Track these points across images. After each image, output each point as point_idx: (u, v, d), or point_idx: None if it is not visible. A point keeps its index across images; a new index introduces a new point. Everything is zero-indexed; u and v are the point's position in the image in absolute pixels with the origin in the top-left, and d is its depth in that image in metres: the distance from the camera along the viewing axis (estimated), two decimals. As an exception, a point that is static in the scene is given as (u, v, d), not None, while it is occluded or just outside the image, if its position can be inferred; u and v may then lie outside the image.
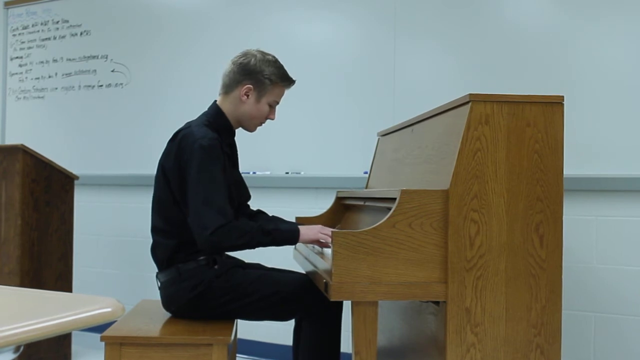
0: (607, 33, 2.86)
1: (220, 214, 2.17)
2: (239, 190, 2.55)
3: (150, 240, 2.39)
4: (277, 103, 2.45)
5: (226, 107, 2.42)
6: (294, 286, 2.33)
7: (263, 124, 2.48)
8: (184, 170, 2.25)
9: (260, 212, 2.70)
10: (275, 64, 2.39)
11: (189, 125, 2.37)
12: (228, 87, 2.41)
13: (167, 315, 2.38)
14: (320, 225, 2.33)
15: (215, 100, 2.46)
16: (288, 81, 2.42)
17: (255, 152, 3.63)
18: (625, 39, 2.83)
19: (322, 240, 2.27)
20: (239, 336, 3.37)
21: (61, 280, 3.51)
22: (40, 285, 3.34)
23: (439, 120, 2.12)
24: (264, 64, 2.37)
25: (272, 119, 2.47)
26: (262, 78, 2.36)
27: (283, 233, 2.26)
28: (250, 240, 2.19)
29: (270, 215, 2.69)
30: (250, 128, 2.47)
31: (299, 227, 2.29)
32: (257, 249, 2.26)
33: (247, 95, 2.37)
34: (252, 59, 2.37)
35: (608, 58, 2.86)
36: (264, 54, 2.41)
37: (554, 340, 1.88)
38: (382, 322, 2.59)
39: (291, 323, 2.50)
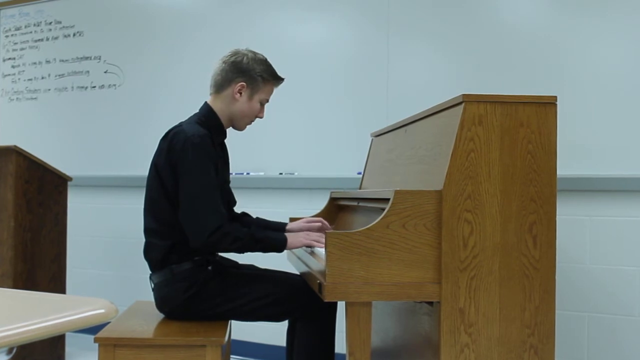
0: (601, 33, 2.87)
1: (215, 214, 2.19)
2: (228, 192, 2.57)
3: (144, 241, 2.39)
4: (267, 101, 2.47)
5: (218, 106, 2.43)
6: (287, 287, 2.33)
7: (252, 123, 2.50)
8: (176, 168, 2.25)
9: (245, 215, 2.71)
10: (266, 63, 2.43)
11: (180, 124, 2.38)
12: (220, 86, 2.42)
13: (161, 316, 2.38)
14: (303, 233, 2.35)
15: (206, 101, 2.47)
16: (278, 79, 2.46)
17: (249, 153, 3.63)
18: (619, 40, 2.84)
19: (308, 246, 2.31)
20: (232, 337, 3.37)
21: (54, 282, 3.50)
22: (34, 287, 3.33)
23: (432, 120, 2.12)
24: (255, 62, 2.40)
25: (262, 118, 2.49)
26: (254, 76, 2.38)
27: (271, 241, 2.28)
28: (242, 246, 2.24)
29: (255, 217, 2.70)
30: (241, 126, 2.49)
31: (287, 235, 2.30)
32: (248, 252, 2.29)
33: (240, 93, 2.39)
34: (244, 58, 2.40)
35: (601, 59, 2.87)
36: (254, 53, 2.44)
37: (548, 340, 1.88)
38: (376, 322, 2.59)
39: (285, 324, 2.50)
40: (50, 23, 4.50)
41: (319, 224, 2.52)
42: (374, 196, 2.15)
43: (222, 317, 2.33)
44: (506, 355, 1.86)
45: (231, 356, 3.49)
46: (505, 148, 1.87)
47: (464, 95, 1.86)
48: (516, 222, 1.86)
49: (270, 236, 2.31)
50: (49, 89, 4.48)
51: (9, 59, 4.67)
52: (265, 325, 2.57)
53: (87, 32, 4.35)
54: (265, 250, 2.28)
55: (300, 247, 2.32)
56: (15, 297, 1.24)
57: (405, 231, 1.81)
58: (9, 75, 4.66)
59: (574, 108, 2.86)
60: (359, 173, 3.25)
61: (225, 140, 2.54)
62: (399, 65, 3.35)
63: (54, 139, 4.41)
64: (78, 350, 3.82)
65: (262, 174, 3.68)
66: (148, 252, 2.37)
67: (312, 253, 2.25)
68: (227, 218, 2.26)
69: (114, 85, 4.23)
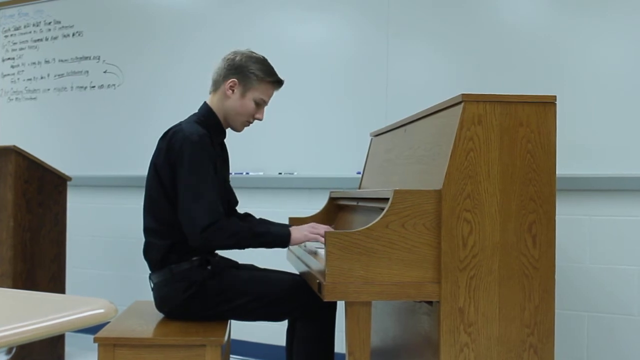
0: (600, 33, 2.87)
1: (211, 211, 2.18)
2: (228, 191, 2.56)
3: (143, 241, 2.39)
4: (265, 103, 2.45)
5: (214, 104, 2.44)
6: (287, 287, 2.33)
7: (251, 124, 2.48)
8: (174, 167, 2.25)
9: (248, 215, 2.71)
10: (263, 62, 2.42)
11: (179, 124, 2.38)
12: (216, 84, 2.43)
13: (161, 316, 2.38)
14: (308, 226, 2.34)
15: (205, 101, 2.47)
16: (274, 77, 2.43)
17: (248, 153, 3.62)
18: (619, 40, 2.84)
19: (312, 240, 2.30)
20: (232, 337, 3.37)
21: (54, 282, 3.50)
22: (33, 287, 3.33)
23: (431, 120, 2.12)
24: (250, 60, 2.39)
25: (260, 119, 2.46)
26: (247, 73, 2.38)
27: (273, 236, 2.28)
28: (239, 241, 2.21)
29: (258, 218, 2.69)
30: (237, 126, 2.47)
31: (290, 230, 2.30)
32: (250, 248, 2.27)
33: (232, 90, 2.39)
34: (239, 56, 2.40)
35: (601, 59, 2.87)
36: (252, 52, 2.44)
37: (547, 340, 1.88)
38: (375, 322, 2.59)
39: (285, 323, 2.50)
40: (50, 23, 4.50)
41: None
42: (373, 196, 2.15)
43: (222, 317, 2.33)
44: (506, 354, 1.86)
45: (231, 356, 3.49)
46: (505, 147, 1.87)
47: (463, 94, 1.86)
48: (516, 222, 1.86)
49: (272, 230, 2.31)
50: (49, 89, 4.48)
51: (8, 58, 4.67)
52: (265, 325, 2.56)
53: (86, 32, 4.35)
54: (267, 245, 2.27)
55: (305, 240, 2.31)
56: (15, 297, 1.24)
57: (405, 231, 1.81)
58: (8, 75, 4.66)
59: (574, 108, 2.86)
60: (359, 173, 3.25)
61: (225, 140, 2.54)
62: (398, 65, 3.35)
63: (53, 139, 4.41)
64: (78, 350, 3.81)
65: (261, 173, 3.68)
66: (147, 252, 2.37)
67: (312, 252, 2.24)
68: (223, 214, 2.24)
69: (114, 85, 4.23)
